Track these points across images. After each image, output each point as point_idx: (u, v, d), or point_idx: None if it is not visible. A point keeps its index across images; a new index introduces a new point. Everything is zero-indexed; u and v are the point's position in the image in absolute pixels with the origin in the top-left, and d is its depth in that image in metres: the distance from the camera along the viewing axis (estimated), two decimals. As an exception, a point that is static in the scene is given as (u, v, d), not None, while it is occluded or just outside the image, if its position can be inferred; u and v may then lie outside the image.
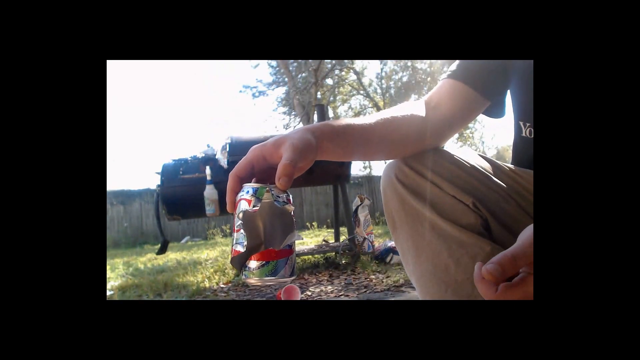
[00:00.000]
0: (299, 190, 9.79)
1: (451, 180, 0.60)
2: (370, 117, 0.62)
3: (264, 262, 0.43)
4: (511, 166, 0.68)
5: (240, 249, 0.44)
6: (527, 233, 0.40)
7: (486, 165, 0.65)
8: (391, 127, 0.62)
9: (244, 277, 0.45)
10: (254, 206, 0.44)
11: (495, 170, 0.65)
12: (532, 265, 0.38)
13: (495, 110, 0.74)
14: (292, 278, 0.44)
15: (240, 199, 0.46)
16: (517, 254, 0.38)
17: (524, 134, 0.69)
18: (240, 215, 0.45)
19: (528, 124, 0.69)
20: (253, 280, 0.44)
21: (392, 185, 0.63)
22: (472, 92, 0.68)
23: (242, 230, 0.44)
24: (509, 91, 0.73)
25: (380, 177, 0.70)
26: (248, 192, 0.46)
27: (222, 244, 6.24)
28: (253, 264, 0.43)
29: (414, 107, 0.67)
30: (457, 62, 0.70)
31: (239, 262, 0.44)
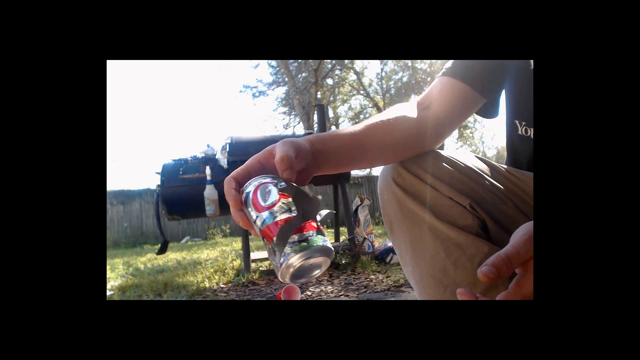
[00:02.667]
0: (299, 190, 9.73)
1: (448, 182, 0.60)
2: (361, 123, 0.63)
3: (316, 231, 0.42)
4: (508, 168, 0.68)
5: (290, 214, 0.41)
6: (519, 233, 0.40)
7: (483, 167, 0.65)
8: (384, 130, 0.62)
9: (287, 256, 0.40)
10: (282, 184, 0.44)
11: (492, 172, 0.65)
12: (525, 265, 0.38)
13: (490, 110, 0.74)
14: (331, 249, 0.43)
15: (260, 183, 0.45)
16: (510, 254, 0.38)
17: (520, 132, 0.69)
18: (284, 186, 0.44)
19: (524, 122, 0.68)
20: (301, 255, 0.40)
21: (390, 188, 0.63)
22: (469, 90, 0.67)
23: (290, 198, 0.43)
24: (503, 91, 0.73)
25: None
26: (264, 178, 0.46)
27: (222, 244, 6.24)
28: (308, 233, 0.41)
29: (406, 109, 0.66)
30: (452, 60, 0.69)
31: (291, 228, 0.41)
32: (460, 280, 0.57)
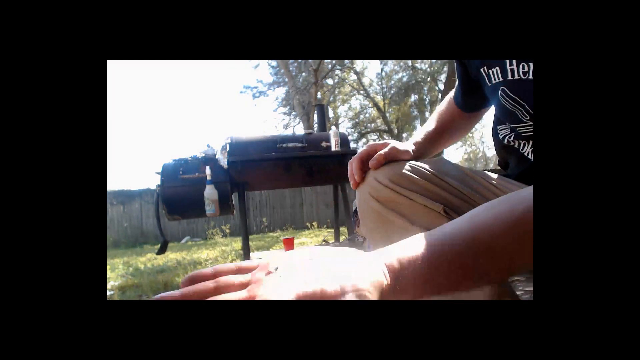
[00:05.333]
0: (299, 190, 9.80)
1: (421, 191, 0.66)
2: (434, 125, 0.89)
3: None
4: (491, 177, 0.74)
5: None
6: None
7: (458, 176, 0.70)
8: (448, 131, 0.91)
9: None
10: None
11: (468, 180, 0.70)
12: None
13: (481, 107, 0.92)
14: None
15: None
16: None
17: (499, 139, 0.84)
18: None
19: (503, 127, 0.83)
20: None
21: (368, 201, 0.69)
22: (455, 107, 0.92)
23: None
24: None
25: None
26: None
27: (222, 244, 6.24)
28: None
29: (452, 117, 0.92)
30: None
31: None
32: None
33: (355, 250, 0.38)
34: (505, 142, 0.78)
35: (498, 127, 0.81)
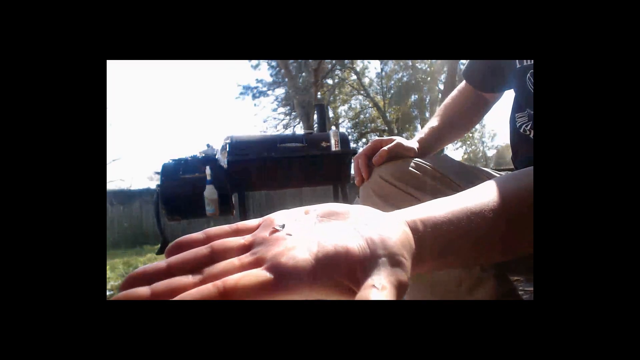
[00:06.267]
0: (298, 190, 9.80)
1: (423, 189, 0.66)
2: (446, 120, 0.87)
3: None
4: (494, 174, 0.75)
5: None
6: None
7: (460, 172, 0.71)
8: (459, 122, 0.89)
9: None
10: None
11: (471, 177, 0.71)
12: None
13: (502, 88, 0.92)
14: None
15: None
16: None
17: (517, 128, 0.82)
18: None
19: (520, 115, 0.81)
20: None
21: (371, 199, 0.70)
22: (470, 88, 0.90)
23: None
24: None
25: None
26: None
27: (222, 244, 6.21)
28: None
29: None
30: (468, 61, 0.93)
31: None
32: (446, 280, 0.59)
33: (371, 208, 0.32)
34: (522, 130, 0.78)
35: (516, 115, 0.80)
